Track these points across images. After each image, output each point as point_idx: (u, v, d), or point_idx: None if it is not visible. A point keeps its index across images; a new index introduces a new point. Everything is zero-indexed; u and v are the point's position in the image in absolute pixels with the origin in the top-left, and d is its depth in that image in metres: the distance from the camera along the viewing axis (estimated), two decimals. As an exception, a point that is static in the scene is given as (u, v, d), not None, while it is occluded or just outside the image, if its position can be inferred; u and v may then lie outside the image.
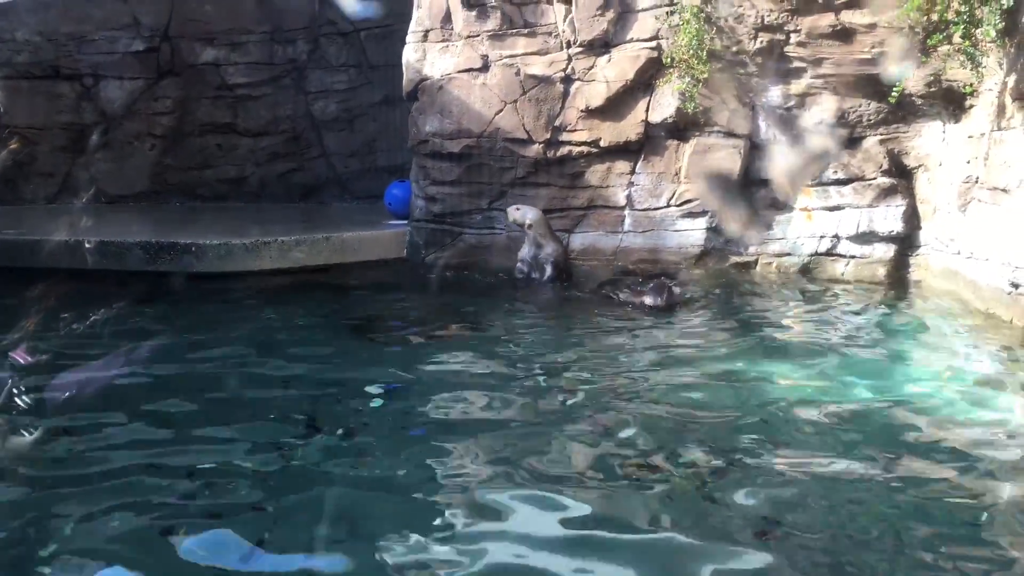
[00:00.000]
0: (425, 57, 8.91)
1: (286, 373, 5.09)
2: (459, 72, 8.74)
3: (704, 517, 3.25)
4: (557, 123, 8.60)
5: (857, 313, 7.02)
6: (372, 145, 11.84)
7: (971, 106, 7.41)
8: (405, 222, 9.34)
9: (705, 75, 8.10)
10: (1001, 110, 6.75)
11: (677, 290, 7.31)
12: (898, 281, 8.15)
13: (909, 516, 3.26)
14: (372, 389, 4.75)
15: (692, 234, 8.62)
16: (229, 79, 11.74)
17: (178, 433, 4.03)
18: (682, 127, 8.48)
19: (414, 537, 3.03)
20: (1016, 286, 6.16)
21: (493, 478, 3.55)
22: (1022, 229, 6.19)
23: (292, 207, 11.44)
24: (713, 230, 8.57)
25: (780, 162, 8.30)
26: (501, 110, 8.65)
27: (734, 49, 8.19)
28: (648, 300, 7.00)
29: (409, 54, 8.96)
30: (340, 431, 4.07)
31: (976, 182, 7.09)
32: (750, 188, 8.57)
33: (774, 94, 8.35)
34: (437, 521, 3.17)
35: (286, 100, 11.85)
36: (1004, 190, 6.57)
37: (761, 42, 8.09)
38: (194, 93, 11.70)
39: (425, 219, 9.04)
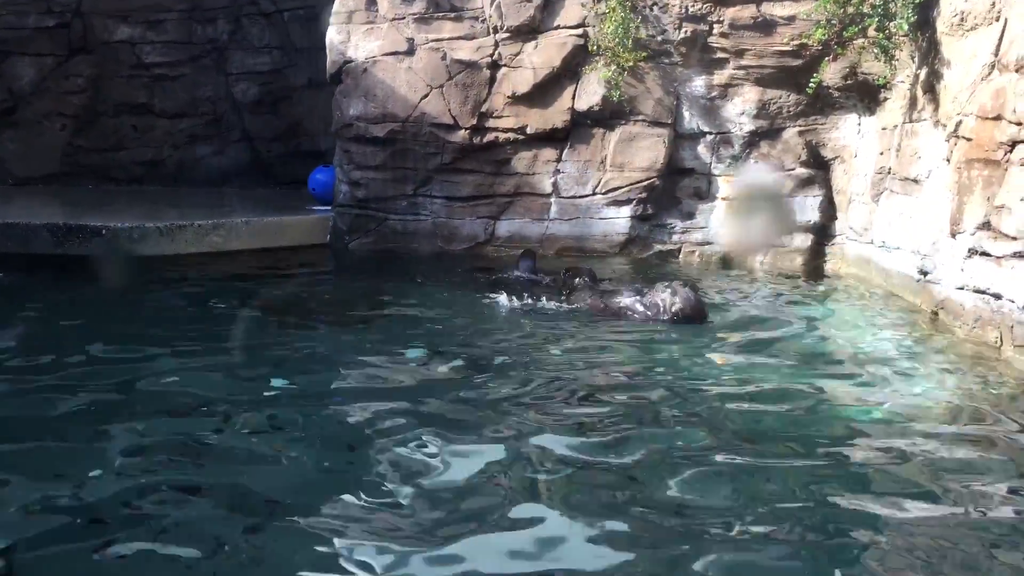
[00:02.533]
0: (349, 39, 8.74)
1: (195, 359, 4.91)
2: (384, 55, 8.60)
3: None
4: (484, 109, 8.55)
5: (776, 300, 7.14)
6: (296, 129, 11.58)
7: (885, 99, 7.63)
8: (329, 208, 9.16)
9: (630, 64, 8.15)
10: (913, 102, 6.96)
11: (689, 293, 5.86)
12: (815, 269, 8.36)
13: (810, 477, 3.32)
14: (279, 380, 4.60)
15: (617, 222, 8.68)
16: (145, 58, 11.34)
17: (69, 426, 3.83)
18: (608, 115, 8.51)
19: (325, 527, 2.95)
20: (924, 273, 6.35)
21: (398, 460, 3.49)
22: (930, 218, 6.39)
23: (212, 191, 11.10)
24: (638, 218, 8.64)
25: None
26: (427, 95, 8.54)
27: (659, 38, 8.27)
28: (674, 305, 5.72)
29: (333, 35, 8.77)
30: (247, 421, 3.93)
31: (889, 173, 7.29)
32: (674, 177, 8.67)
33: (698, 84, 8.46)
34: (345, 511, 3.08)
35: (206, 81, 11.50)
36: (915, 180, 6.77)
37: (685, 32, 8.18)
38: (108, 72, 11.26)
39: (349, 204, 8.88)
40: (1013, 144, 5.20)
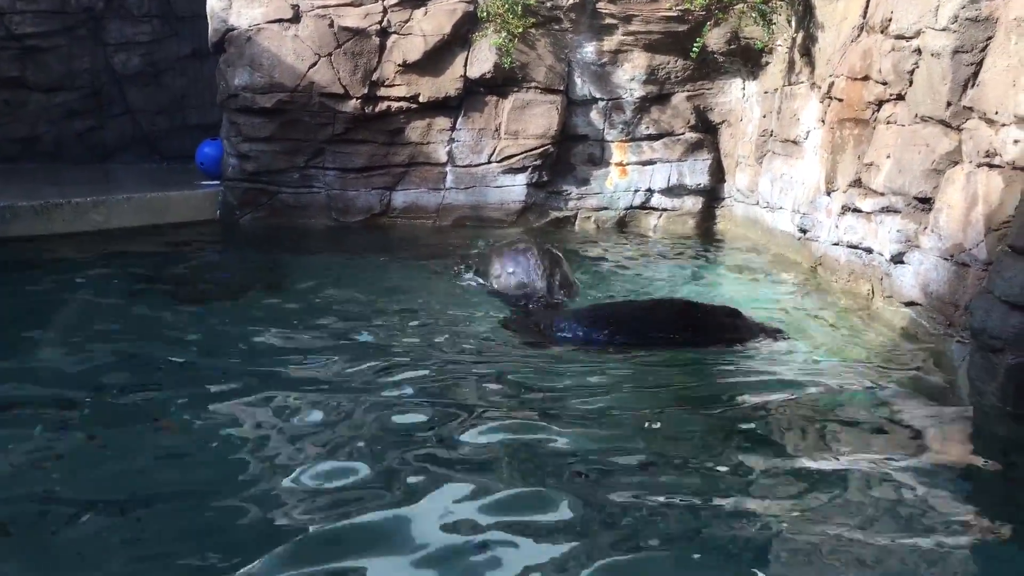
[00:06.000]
0: (231, 6, 8.39)
1: (70, 343, 4.69)
2: (268, 22, 8.31)
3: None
4: (374, 78, 8.39)
5: (668, 261, 7.30)
6: (181, 102, 11.12)
7: (766, 63, 7.84)
8: (218, 182, 8.87)
9: (520, 30, 8.13)
10: (791, 66, 7.17)
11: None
12: (706, 231, 8.59)
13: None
14: (173, 357, 4.44)
15: (513, 190, 8.69)
16: (15, 28, 10.62)
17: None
18: (501, 82, 8.48)
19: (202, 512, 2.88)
20: (804, 231, 6.59)
21: (292, 442, 3.43)
22: (808, 178, 6.62)
23: (94, 168, 10.58)
24: (534, 185, 8.67)
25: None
26: (315, 63, 8.32)
27: (548, 4, 8.25)
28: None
29: (214, 3, 8.41)
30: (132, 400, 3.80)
31: (771, 135, 7.52)
32: (568, 144, 8.72)
33: (588, 50, 8.50)
34: (226, 498, 3.02)
35: (82, 53, 10.87)
36: (794, 142, 7.00)
37: (574, -2, 8.19)
38: (-26, 44, 10.54)
39: (238, 178, 8.59)
40: (880, 103, 5.43)
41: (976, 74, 4.40)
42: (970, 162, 4.38)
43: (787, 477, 3.14)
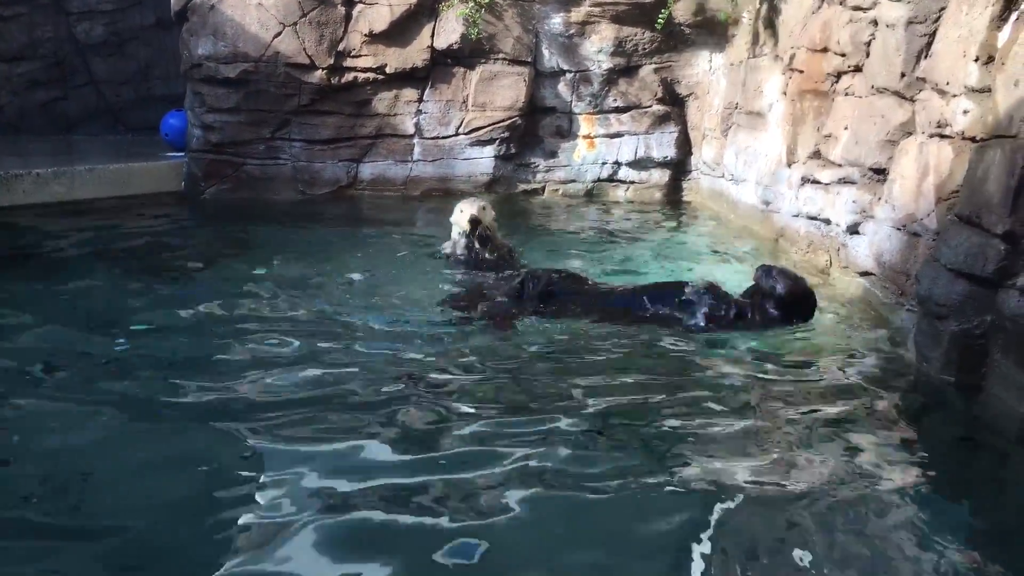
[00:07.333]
0: (193, -27, 8.28)
1: (26, 315, 4.64)
2: (231, -10, 8.20)
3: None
4: (341, 48, 8.31)
5: (634, 233, 7.32)
6: (146, 72, 10.98)
7: (732, 35, 7.85)
8: (183, 154, 8.77)
9: (487, 0, 8.06)
10: (756, 38, 7.18)
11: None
12: (672, 204, 8.62)
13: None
14: (131, 327, 4.41)
15: (481, 162, 8.68)
16: (-26, -4, 10.44)
17: None
18: (468, 54, 8.43)
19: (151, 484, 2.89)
20: (766, 203, 6.64)
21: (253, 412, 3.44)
22: (771, 150, 6.65)
23: (57, 139, 10.44)
24: (502, 158, 8.66)
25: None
26: (280, 33, 8.22)
27: (515, -26, 8.21)
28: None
29: (175, -30, 8.29)
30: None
31: (736, 108, 7.54)
32: (536, 116, 8.70)
33: (556, 21, 8.46)
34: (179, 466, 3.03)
35: (45, 21, 10.70)
36: (758, 114, 7.02)
37: (540, -32, 8.15)
38: (-68, 11, 10.34)
39: (203, 149, 8.50)
40: (838, 75, 5.46)
41: (929, 45, 4.42)
42: (923, 133, 4.42)
43: (735, 441, 3.19)
